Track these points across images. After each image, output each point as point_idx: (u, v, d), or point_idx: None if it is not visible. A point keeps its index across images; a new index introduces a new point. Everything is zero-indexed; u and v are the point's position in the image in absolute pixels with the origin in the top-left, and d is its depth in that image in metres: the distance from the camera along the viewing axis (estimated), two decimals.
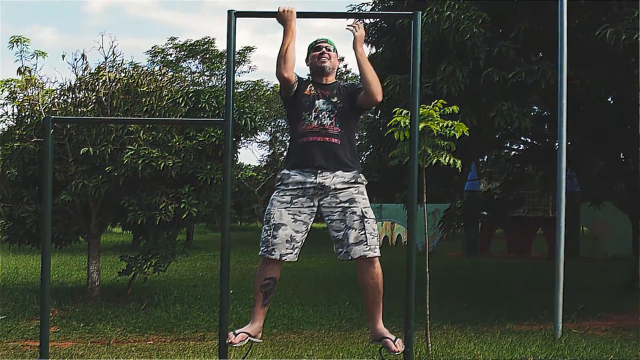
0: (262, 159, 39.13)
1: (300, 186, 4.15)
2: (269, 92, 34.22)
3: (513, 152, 18.23)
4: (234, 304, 11.68)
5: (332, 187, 4.12)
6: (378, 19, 14.10)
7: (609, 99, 12.66)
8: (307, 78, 4.51)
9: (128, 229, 15.57)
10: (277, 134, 36.94)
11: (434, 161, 7.57)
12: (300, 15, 4.27)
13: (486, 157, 21.12)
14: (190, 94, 11.86)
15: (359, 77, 4.31)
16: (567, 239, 10.97)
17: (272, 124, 35.85)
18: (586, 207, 20.32)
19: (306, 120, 4.22)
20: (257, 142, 37.75)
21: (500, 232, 27.94)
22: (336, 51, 4.45)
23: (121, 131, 11.15)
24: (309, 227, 4.20)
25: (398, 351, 4.07)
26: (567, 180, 10.19)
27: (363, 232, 4.07)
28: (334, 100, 4.26)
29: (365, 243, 4.07)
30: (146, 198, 10.97)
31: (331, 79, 4.39)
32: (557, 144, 9.73)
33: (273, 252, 4.11)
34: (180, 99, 11.72)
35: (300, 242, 4.19)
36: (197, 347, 8.75)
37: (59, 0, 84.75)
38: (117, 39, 17.77)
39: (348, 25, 4.33)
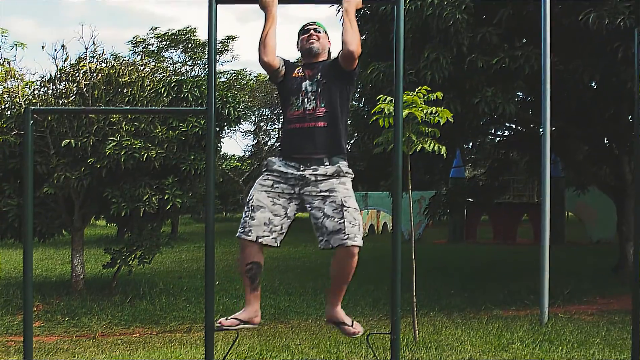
0: (246, 149, 38.95)
1: (283, 175, 4.13)
2: (252, 81, 34.07)
3: (498, 138, 18.26)
4: (220, 294, 11.64)
5: (313, 179, 4.08)
6: (361, 6, 14.04)
7: (593, 84, 12.67)
8: (296, 61, 4.46)
9: (112, 221, 15.47)
10: (261, 124, 36.79)
11: (419, 148, 7.54)
12: (283, 0, 4.22)
13: (471, 144, 21.15)
14: (173, 84, 11.77)
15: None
16: (552, 224, 10.99)
17: (256, 113, 35.70)
18: (571, 192, 20.41)
19: (294, 106, 4.19)
20: (241, 132, 37.59)
21: (485, 218, 28.03)
22: (326, 33, 4.40)
23: (103, 122, 11.03)
24: (288, 213, 4.13)
25: (357, 332, 4.08)
26: (551, 165, 10.20)
27: (342, 221, 3.98)
28: (318, 78, 4.21)
29: (344, 232, 3.97)
30: (129, 189, 10.88)
31: (321, 59, 4.33)
32: (541, 130, 9.73)
33: (250, 234, 4.04)
34: (163, 89, 11.63)
35: (280, 227, 4.10)
36: (183, 339, 8.70)
37: None
38: (97, 29, 17.61)
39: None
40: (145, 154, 10.62)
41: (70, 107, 11.15)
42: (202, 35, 33.32)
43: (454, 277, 14.51)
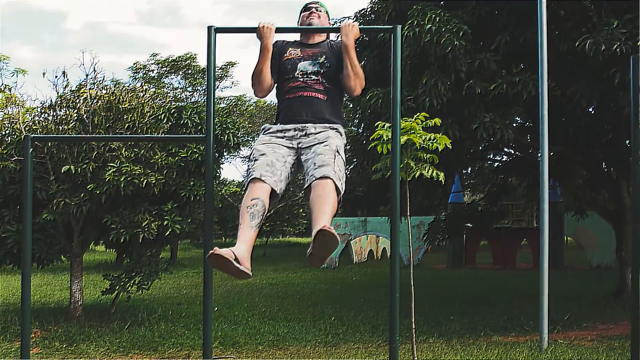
0: (245, 175, 39.03)
1: (281, 131, 4.17)
2: (251, 107, 34.21)
3: (496, 164, 18.31)
4: (219, 321, 11.59)
5: (314, 130, 4.12)
6: (359, 36, 14.16)
7: (590, 109, 12.75)
8: (282, 42, 4.50)
9: (111, 247, 15.48)
10: None
11: (417, 174, 7.57)
12: (281, 30, 4.27)
13: (470, 169, 21.19)
14: (173, 110, 11.82)
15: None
16: (552, 249, 10.99)
17: (256, 139, 35.83)
18: (570, 216, 20.41)
19: (291, 79, 4.25)
20: (241, 158, 37.66)
21: (485, 243, 27.99)
22: (327, 13, 4.52)
23: (103, 148, 11.08)
24: (287, 163, 4.04)
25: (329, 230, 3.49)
26: (550, 190, 10.23)
27: (332, 161, 3.88)
28: (321, 60, 4.28)
29: (331, 167, 3.83)
30: (129, 215, 10.89)
31: (319, 38, 4.44)
32: (539, 155, 9.77)
33: (253, 173, 3.93)
34: (163, 115, 11.68)
35: (280, 172, 3.96)
36: None
37: (38, 17, 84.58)
38: (98, 55, 17.68)
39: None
40: (145, 180, 10.65)
41: (70, 135, 11.19)
42: (202, 61, 33.56)
43: (454, 302, 14.47)
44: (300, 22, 4.49)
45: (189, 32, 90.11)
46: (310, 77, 4.22)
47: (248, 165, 4.07)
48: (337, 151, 3.97)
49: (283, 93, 4.29)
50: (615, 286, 14.21)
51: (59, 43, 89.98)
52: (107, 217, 10.91)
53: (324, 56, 4.28)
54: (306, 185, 3.88)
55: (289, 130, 4.13)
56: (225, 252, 3.47)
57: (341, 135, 4.18)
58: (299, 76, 4.22)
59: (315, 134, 4.10)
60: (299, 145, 4.10)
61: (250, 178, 3.93)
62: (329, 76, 4.25)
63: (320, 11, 4.45)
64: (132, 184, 10.59)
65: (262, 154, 4.03)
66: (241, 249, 3.60)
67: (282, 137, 4.13)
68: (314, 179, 3.80)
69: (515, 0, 10.96)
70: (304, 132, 4.10)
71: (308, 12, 4.45)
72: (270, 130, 4.19)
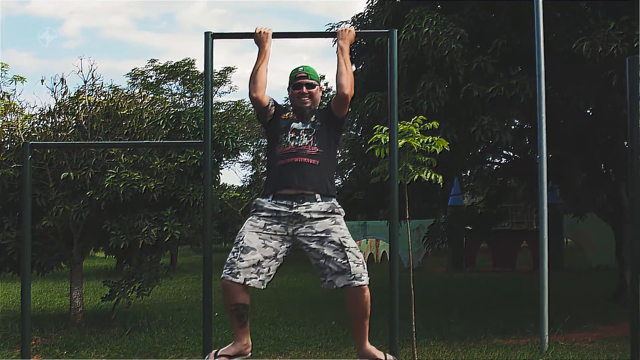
0: (245, 179, 39.01)
1: (275, 214, 4.04)
2: (250, 112, 34.20)
3: (495, 166, 18.33)
4: (219, 326, 11.55)
5: (308, 216, 4.01)
6: (355, 40, 14.19)
7: (588, 111, 12.76)
8: (286, 105, 4.46)
9: (111, 253, 15.47)
10: (260, 154, 36.87)
11: (416, 177, 7.58)
12: (278, 35, 4.28)
13: (469, 172, 21.22)
14: (171, 116, 11.82)
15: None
16: (551, 251, 11.00)
17: (255, 143, 35.78)
18: (569, 218, 20.43)
19: (283, 142, 4.16)
20: (240, 162, 37.65)
21: (485, 246, 27.99)
22: (318, 82, 4.35)
23: (102, 155, 11.09)
24: (278, 255, 4.04)
25: None
26: (549, 192, 10.24)
27: (346, 261, 3.90)
28: (312, 119, 4.21)
29: (350, 272, 3.90)
30: (128, 222, 10.89)
31: (312, 118, 4.30)
32: (538, 157, 9.79)
33: (237, 276, 3.90)
34: (161, 121, 11.68)
35: (267, 269, 4.00)
36: None
37: (35, 23, 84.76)
38: (95, 61, 17.61)
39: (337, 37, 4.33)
40: (144, 186, 10.65)
41: (68, 142, 11.20)
42: (201, 66, 33.48)
43: (454, 305, 14.46)
44: (290, 97, 4.33)
45: (185, 37, 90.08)
46: (302, 140, 4.14)
47: (232, 252, 3.99)
48: (344, 244, 3.96)
49: (274, 158, 4.19)
50: (615, 287, 14.21)
51: (56, 49, 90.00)
52: (107, 224, 10.92)
53: (313, 117, 4.22)
54: (324, 287, 4.01)
55: (284, 217, 4.03)
56: None
57: (339, 215, 4.11)
58: (290, 140, 4.14)
59: (311, 222, 4.02)
60: (295, 234, 4.04)
61: (235, 280, 3.92)
62: (321, 137, 4.17)
63: (312, 87, 4.28)
64: (131, 190, 10.60)
65: (251, 248, 3.96)
66: (238, 346, 4.04)
67: (277, 223, 4.04)
68: (333, 285, 3.95)
69: (511, 3, 10.99)
70: (298, 219, 4.02)
71: (299, 92, 4.27)
72: (263, 214, 4.07)
